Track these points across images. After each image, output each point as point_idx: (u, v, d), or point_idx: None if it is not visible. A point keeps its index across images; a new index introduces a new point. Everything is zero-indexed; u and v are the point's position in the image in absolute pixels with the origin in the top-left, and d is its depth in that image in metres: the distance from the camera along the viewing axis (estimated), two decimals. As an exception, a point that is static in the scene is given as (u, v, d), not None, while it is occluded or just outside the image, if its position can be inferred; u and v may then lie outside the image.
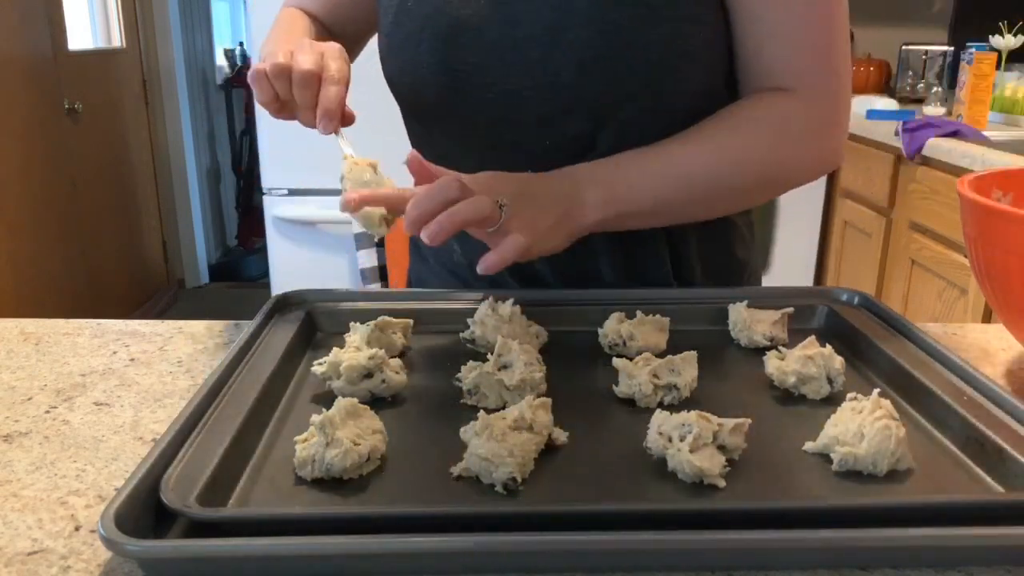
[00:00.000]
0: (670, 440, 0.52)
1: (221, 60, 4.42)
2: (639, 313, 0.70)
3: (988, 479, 0.52)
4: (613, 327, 0.69)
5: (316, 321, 0.75)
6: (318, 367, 0.62)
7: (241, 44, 4.53)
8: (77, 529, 0.47)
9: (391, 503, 0.49)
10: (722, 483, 0.50)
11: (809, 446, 0.55)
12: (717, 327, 0.75)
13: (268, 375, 0.60)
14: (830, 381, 0.63)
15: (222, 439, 0.51)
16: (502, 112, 0.78)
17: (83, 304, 3.00)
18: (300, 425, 0.55)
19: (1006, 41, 2.27)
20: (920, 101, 2.61)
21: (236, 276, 4.13)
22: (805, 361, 0.63)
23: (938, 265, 1.99)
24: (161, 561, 0.42)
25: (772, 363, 0.64)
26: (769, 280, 2.42)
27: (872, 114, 2.40)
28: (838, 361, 0.63)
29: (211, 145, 4.24)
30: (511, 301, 0.71)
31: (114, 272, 3.31)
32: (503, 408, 0.60)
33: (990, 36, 2.30)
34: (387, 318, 0.69)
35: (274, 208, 2.27)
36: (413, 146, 0.89)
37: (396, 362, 0.63)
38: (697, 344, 0.66)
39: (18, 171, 2.63)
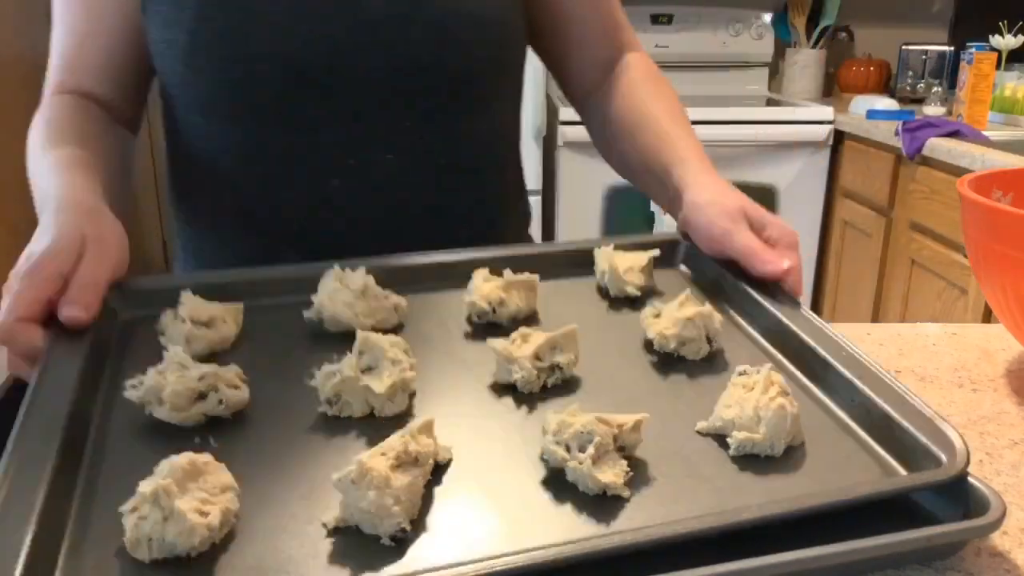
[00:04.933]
0: (568, 450, 0.47)
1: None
2: (507, 272, 0.63)
3: (879, 449, 0.51)
4: (481, 291, 0.62)
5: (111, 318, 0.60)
6: (132, 391, 0.50)
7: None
8: None
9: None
10: (627, 492, 0.46)
11: (702, 426, 0.52)
12: (583, 275, 0.70)
13: (65, 413, 0.47)
14: (709, 341, 0.60)
15: (24, 523, 0.39)
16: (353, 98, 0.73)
17: (84, 304, 2.82)
18: (119, 479, 0.44)
19: (1006, 41, 2.24)
20: (920, 101, 2.57)
21: (236, 272, 3.87)
22: (685, 324, 0.59)
23: (938, 265, 1.97)
24: None
25: (652, 327, 0.60)
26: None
27: (872, 114, 2.34)
28: (717, 320, 0.60)
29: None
30: (362, 270, 0.61)
31: (115, 272, 3.10)
32: (370, 414, 0.52)
33: (990, 36, 2.26)
34: (209, 309, 0.57)
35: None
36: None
37: (232, 371, 0.51)
38: (567, 298, 0.61)
39: (18, 171, 2.23)
